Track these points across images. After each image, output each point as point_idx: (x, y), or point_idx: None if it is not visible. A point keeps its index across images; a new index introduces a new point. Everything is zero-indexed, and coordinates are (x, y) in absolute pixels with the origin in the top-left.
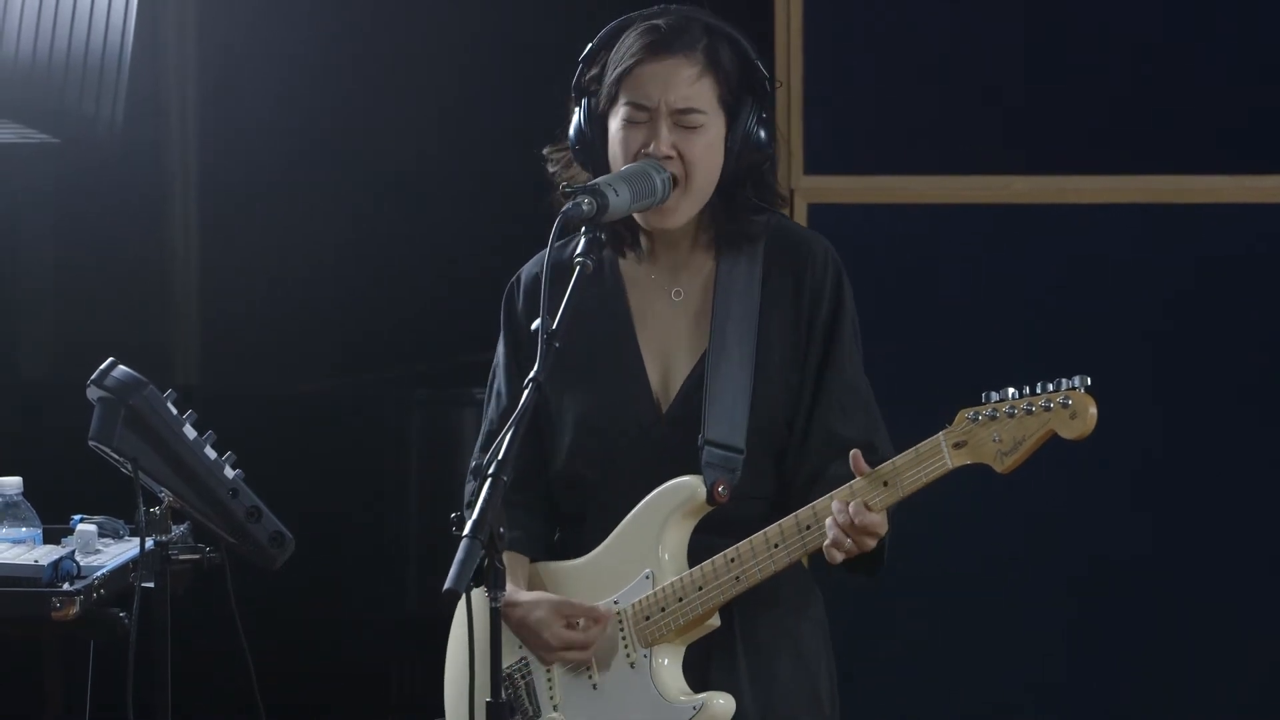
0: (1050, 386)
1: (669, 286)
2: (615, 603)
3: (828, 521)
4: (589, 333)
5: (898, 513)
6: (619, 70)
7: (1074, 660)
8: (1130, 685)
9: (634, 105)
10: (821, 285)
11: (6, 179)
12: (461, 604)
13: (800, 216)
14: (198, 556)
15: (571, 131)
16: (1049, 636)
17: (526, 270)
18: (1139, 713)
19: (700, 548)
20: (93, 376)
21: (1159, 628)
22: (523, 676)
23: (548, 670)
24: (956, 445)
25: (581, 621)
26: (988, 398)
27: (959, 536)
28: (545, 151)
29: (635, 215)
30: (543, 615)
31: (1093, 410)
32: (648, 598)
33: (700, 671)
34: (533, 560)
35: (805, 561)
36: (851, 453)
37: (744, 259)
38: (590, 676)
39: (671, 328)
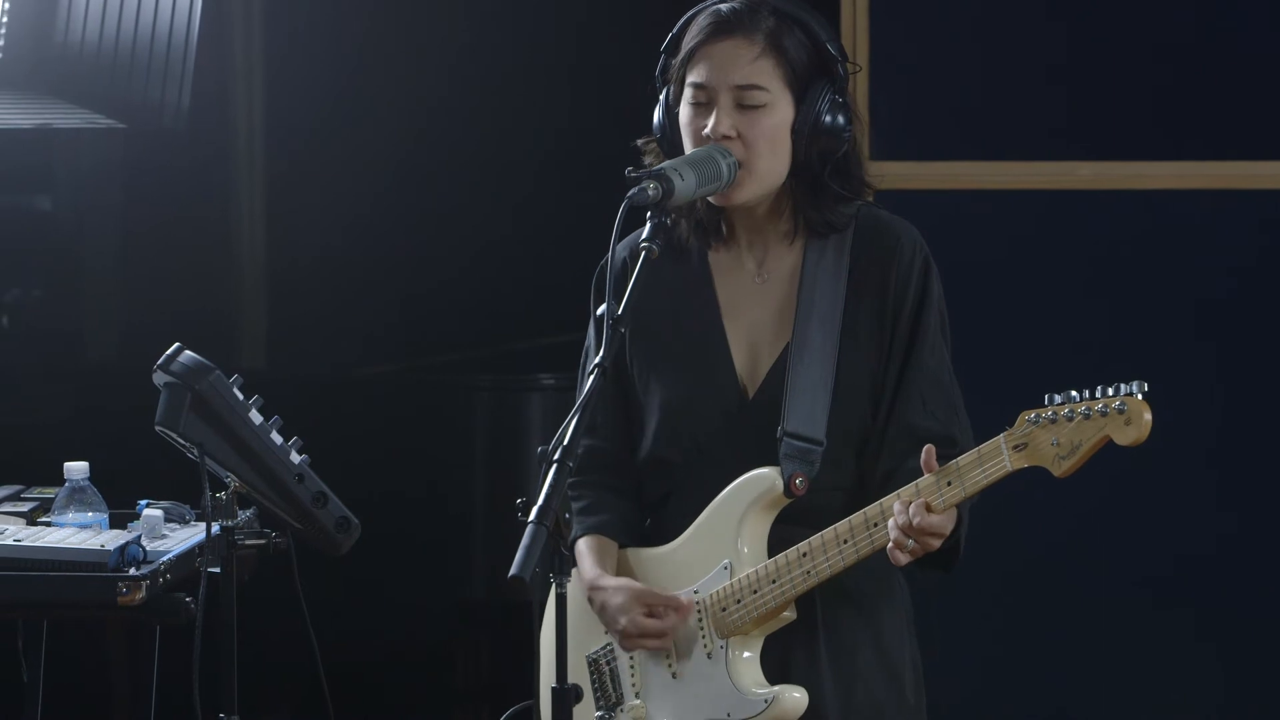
0: (1109, 391)
1: (756, 274)
2: (695, 592)
3: (890, 522)
4: (677, 320)
5: (974, 508)
6: (683, 54)
7: (1153, 658)
8: (1205, 682)
9: (695, 87)
10: (908, 276)
11: (73, 165)
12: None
13: None
14: (264, 542)
15: (654, 121)
16: (1125, 633)
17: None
18: (1214, 710)
19: (780, 538)
20: (159, 362)
21: (1232, 625)
22: (607, 662)
23: (630, 657)
24: (1016, 448)
25: (661, 610)
26: (1050, 400)
27: (1034, 531)
28: (639, 143)
29: (710, 197)
30: (622, 601)
31: (1147, 416)
32: (725, 589)
33: (782, 662)
34: (622, 546)
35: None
36: (925, 448)
37: (831, 248)
38: (670, 665)
39: (758, 316)
